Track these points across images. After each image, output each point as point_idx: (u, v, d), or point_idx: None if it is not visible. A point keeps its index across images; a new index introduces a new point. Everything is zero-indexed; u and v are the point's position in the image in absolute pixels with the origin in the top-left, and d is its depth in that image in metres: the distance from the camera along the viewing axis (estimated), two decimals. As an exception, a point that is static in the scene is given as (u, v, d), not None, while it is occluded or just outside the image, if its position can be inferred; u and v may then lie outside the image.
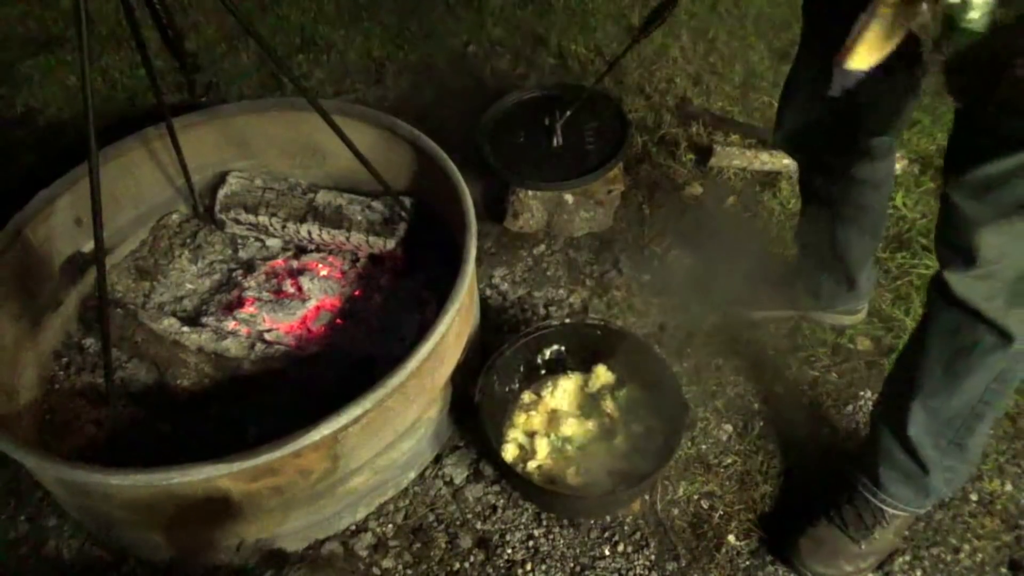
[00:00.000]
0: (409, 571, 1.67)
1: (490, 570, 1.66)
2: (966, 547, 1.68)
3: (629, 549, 1.69)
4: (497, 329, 2.04)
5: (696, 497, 1.76)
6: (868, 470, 1.59)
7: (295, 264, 2.05)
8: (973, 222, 1.23)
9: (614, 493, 1.66)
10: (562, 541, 1.70)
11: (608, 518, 1.73)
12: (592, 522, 1.72)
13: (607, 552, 1.68)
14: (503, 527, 1.72)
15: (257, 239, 2.13)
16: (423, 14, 3.04)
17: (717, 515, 1.73)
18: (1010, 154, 1.15)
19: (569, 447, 1.75)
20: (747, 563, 1.67)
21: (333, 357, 1.82)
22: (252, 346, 1.84)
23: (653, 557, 1.67)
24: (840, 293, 1.94)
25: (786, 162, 2.41)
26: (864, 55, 1.08)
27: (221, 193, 2.09)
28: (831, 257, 1.85)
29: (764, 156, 2.42)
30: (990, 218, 1.21)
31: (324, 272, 2.01)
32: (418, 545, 1.70)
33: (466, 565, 1.67)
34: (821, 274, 1.90)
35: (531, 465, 1.71)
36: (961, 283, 1.30)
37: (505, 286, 2.19)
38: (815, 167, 1.71)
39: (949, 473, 1.53)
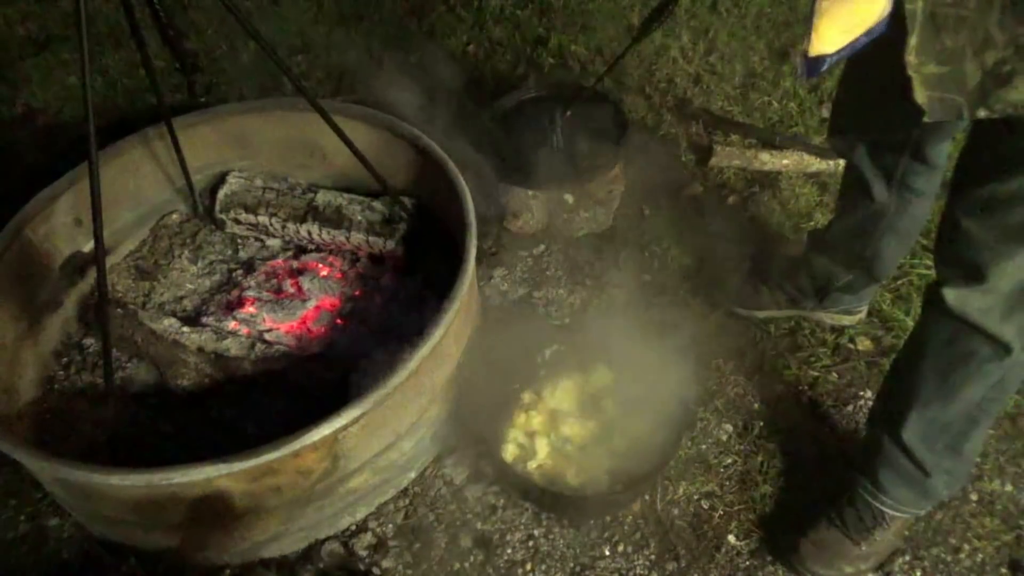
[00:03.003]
0: (409, 571, 1.67)
1: (490, 570, 1.66)
2: (966, 547, 1.68)
3: (629, 549, 1.69)
4: (497, 329, 2.04)
5: (696, 497, 1.76)
6: (868, 472, 1.59)
7: (295, 264, 2.05)
8: (981, 244, 1.22)
9: (614, 493, 1.66)
10: (562, 541, 1.70)
11: (608, 518, 1.73)
12: (592, 522, 1.72)
13: (607, 552, 1.68)
14: (503, 527, 1.72)
15: (257, 239, 2.13)
16: (423, 14, 3.04)
17: (717, 515, 1.73)
18: (1015, 175, 1.14)
19: (569, 447, 1.75)
20: (747, 563, 1.67)
21: (333, 357, 1.82)
22: (252, 346, 1.84)
23: (653, 557, 1.67)
24: (854, 293, 1.93)
25: (785, 162, 2.41)
26: (830, 36, 0.98)
27: (221, 193, 2.09)
28: (861, 260, 1.83)
29: (764, 156, 2.42)
30: (1001, 241, 1.20)
31: (324, 272, 2.01)
32: (418, 545, 1.70)
33: (466, 565, 1.67)
34: (842, 273, 1.89)
35: (531, 465, 1.71)
36: (957, 297, 1.29)
37: (505, 286, 2.19)
38: (874, 172, 1.67)
39: (948, 476, 1.53)
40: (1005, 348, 1.30)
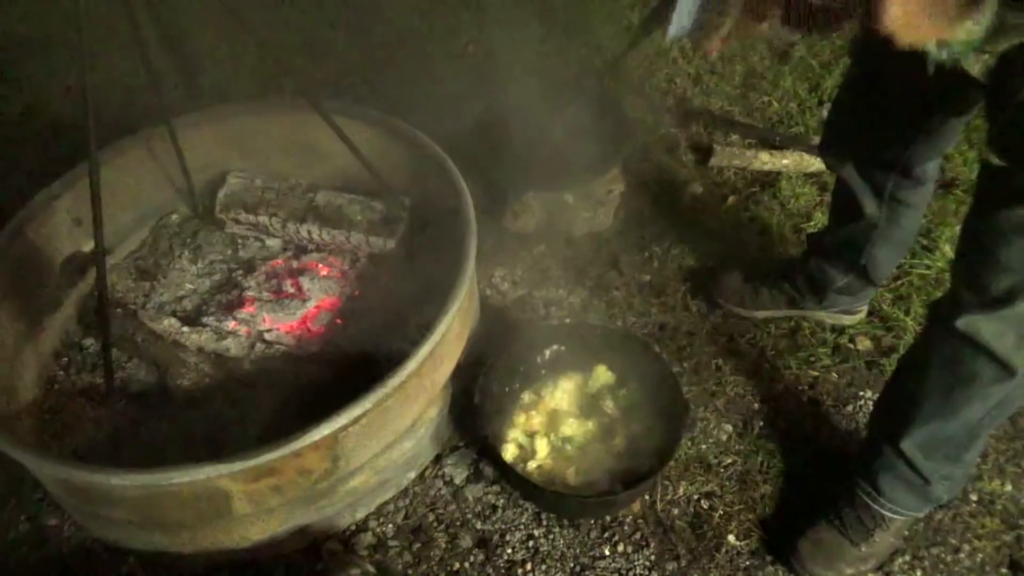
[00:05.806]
0: (409, 571, 1.66)
1: (490, 570, 1.66)
2: (966, 547, 1.68)
3: (629, 549, 1.69)
4: (497, 329, 2.04)
5: (696, 497, 1.76)
6: (867, 476, 1.59)
7: (295, 264, 2.05)
8: (1010, 269, 1.20)
9: (614, 493, 1.66)
10: (562, 541, 1.70)
11: (608, 518, 1.73)
12: (592, 522, 1.72)
13: (607, 552, 1.68)
14: (503, 527, 1.72)
15: (257, 239, 2.13)
16: (424, 14, 3.04)
17: (717, 515, 1.73)
18: None
19: (569, 447, 1.75)
20: (747, 563, 1.67)
21: (333, 357, 1.82)
22: (252, 346, 1.84)
23: (653, 557, 1.67)
24: (852, 295, 1.94)
25: (785, 162, 2.41)
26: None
27: (221, 193, 2.09)
28: (856, 266, 1.84)
29: (764, 156, 2.42)
30: None
31: (324, 272, 2.01)
32: (418, 545, 1.70)
33: (466, 565, 1.67)
34: (839, 277, 1.89)
35: (531, 465, 1.71)
36: (970, 321, 1.27)
37: (505, 286, 2.19)
38: (863, 188, 1.67)
39: (948, 481, 1.53)
40: (1010, 371, 1.28)
